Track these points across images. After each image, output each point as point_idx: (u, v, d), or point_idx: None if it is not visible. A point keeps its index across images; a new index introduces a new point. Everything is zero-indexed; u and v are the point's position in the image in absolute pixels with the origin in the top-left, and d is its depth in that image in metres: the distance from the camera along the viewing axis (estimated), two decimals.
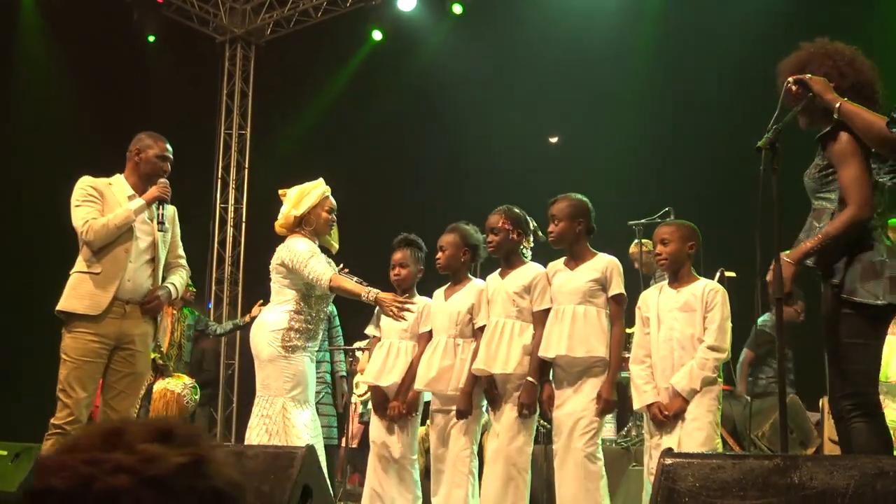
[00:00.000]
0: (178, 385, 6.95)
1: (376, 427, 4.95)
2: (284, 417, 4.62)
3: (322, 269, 4.62)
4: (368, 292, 4.58)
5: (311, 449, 2.83)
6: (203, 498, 1.01)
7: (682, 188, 7.89)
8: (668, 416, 4.11)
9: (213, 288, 11.08)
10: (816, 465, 1.78)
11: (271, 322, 4.67)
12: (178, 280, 4.72)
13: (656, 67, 9.96)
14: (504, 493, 4.44)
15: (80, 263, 4.44)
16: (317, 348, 4.84)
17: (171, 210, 4.68)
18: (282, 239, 4.88)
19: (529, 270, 4.61)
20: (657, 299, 4.34)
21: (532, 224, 5.11)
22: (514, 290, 4.57)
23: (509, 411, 4.49)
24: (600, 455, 4.35)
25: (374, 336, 5.15)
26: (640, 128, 9.78)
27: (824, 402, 4.26)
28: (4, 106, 10.39)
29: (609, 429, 6.31)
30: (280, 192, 4.93)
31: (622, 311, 4.48)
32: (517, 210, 4.71)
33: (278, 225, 4.88)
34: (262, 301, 8.52)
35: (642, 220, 6.59)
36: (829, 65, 3.15)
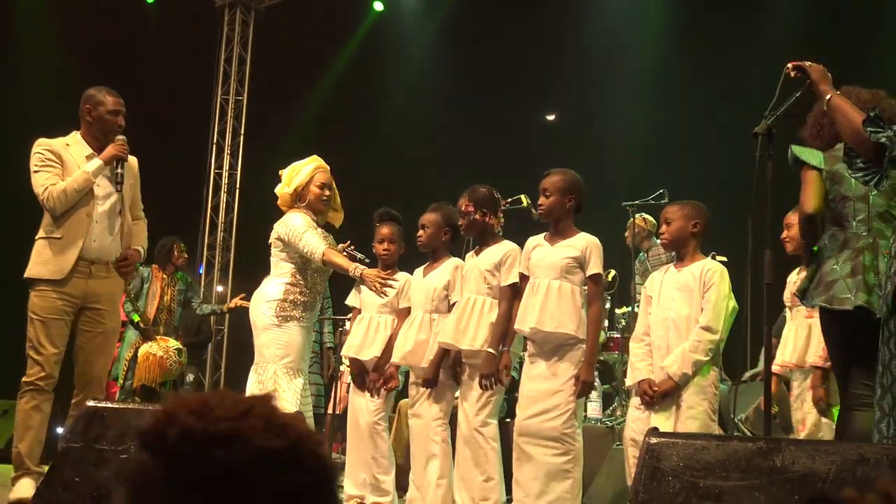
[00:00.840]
0: (161, 348, 6.99)
1: (355, 398, 5.14)
2: (276, 384, 4.71)
3: (315, 244, 4.70)
4: (355, 268, 4.68)
5: (299, 415, 2.86)
6: (314, 469, 1.04)
7: (679, 171, 7.92)
8: (655, 392, 4.09)
9: (206, 253, 11.07)
10: (799, 450, 1.80)
11: (268, 293, 4.77)
12: (143, 237, 4.74)
13: (658, 48, 9.94)
14: (475, 466, 4.54)
15: (42, 229, 4.45)
16: (314, 319, 4.94)
17: (131, 162, 4.64)
18: (278, 209, 4.98)
19: (501, 248, 4.70)
20: (661, 279, 4.35)
21: (526, 200, 5.18)
22: (486, 268, 4.67)
23: (476, 386, 4.57)
24: (579, 438, 4.35)
25: (355, 307, 5.30)
26: (639, 109, 9.78)
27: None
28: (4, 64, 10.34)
29: (595, 408, 6.36)
30: (280, 172, 5.01)
31: (600, 290, 4.53)
32: (483, 189, 4.78)
33: (279, 204, 4.98)
34: (244, 295, 8.60)
35: (636, 201, 6.61)
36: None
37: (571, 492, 4.36)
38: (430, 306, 4.92)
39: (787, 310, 4.95)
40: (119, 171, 4.51)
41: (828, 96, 2.97)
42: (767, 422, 2.90)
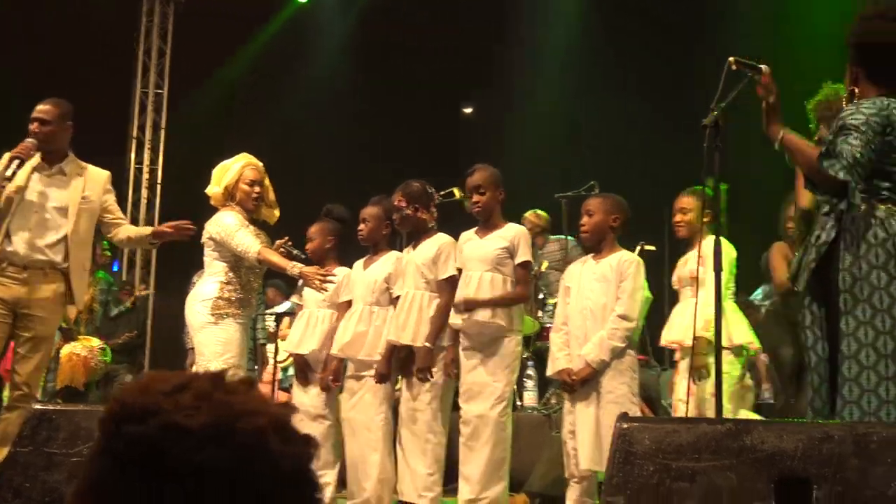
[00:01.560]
0: (86, 348, 6.84)
1: (298, 393, 5.24)
2: None
3: (249, 242, 4.69)
4: (293, 266, 4.70)
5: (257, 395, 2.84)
6: (302, 445, 1.03)
7: (610, 162, 8.06)
8: (575, 381, 4.27)
9: (126, 251, 10.79)
10: (767, 430, 1.88)
11: (203, 292, 4.77)
12: (133, 229, 4.91)
13: (584, 40, 10.09)
14: (421, 458, 4.66)
15: None
16: (251, 316, 4.99)
17: (97, 174, 4.73)
18: (205, 206, 4.97)
19: (435, 242, 4.83)
20: (579, 270, 4.51)
21: (459, 193, 5.27)
22: (422, 262, 4.79)
23: (419, 380, 4.69)
24: (510, 426, 4.55)
25: (298, 304, 5.46)
26: (569, 101, 9.92)
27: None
28: None
29: (531, 397, 6.45)
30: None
31: (528, 276, 4.69)
32: (416, 184, 4.91)
33: (213, 203, 4.96)
34: (143, 286, 8.47)
35: (569, 193, 6.71)
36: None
37: (505, 478, 4.55)
38: (370, 298, 5.00)
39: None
40: (13, 169, 4.43)
41: (780, 135, 3.02)
42: (718, 404, 3.00)
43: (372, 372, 4.88)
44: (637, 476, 1.92)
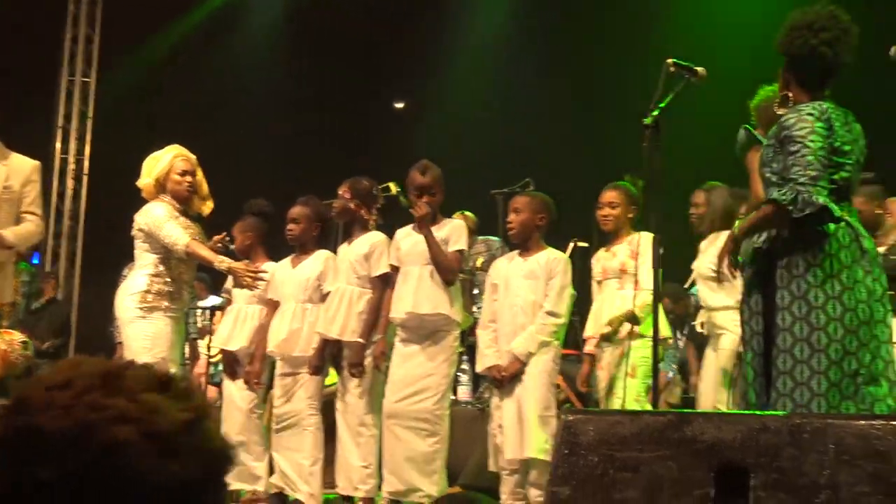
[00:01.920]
0: (5, 342, 6.67)
1: (228, 387, 5.33)
2: None
3: (177, 235, 4.63)
4: (221, 261, 4.67)
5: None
6: (201, 458, 0.92)
7: (545, 159, 8.14)
8: (504, 377, 4.38)
9: (51, 243, 10.53)
10: (707, 421, 1.94)
11: (132, 286, 4.69)
12: (21, 228, 4.61)
13: (516, 34, 10.17)
14: (356, 452, 4.74)
15: None
16: (184, 309, 4.91)
17: (20, 163, 4.62)
18: (133, 197, 4.89)
19: (369, 239, 4.91)
20: (507, 267, 4.61)
21: (395, 188, 5.32)
22: (356, 259, 4.88)
23: (351, 375, 4.78)
24: (447, 420, 4.63)
25: (227, 299, 5.55)
26: (504, 96, 9.99)
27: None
28: None
29: (465, 391, 6.51)
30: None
31: (459, 264, 4.77)
32: (365, 182, 5.00)
33: (144, 195, 4.85)
34: (53, 282, 8.30)
35: (504, 189, 6.75)
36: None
37: (439, 471, 4.62)
38: (303, 296, 5.07)
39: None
40: None
41: (737, 235, 3.05)
42: (655, 395, 3.08)
43: (306, 368, 4.96)
44: (582, 467, 1.96)
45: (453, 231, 4.71)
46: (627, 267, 4.42)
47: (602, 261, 4.67)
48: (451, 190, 4.91)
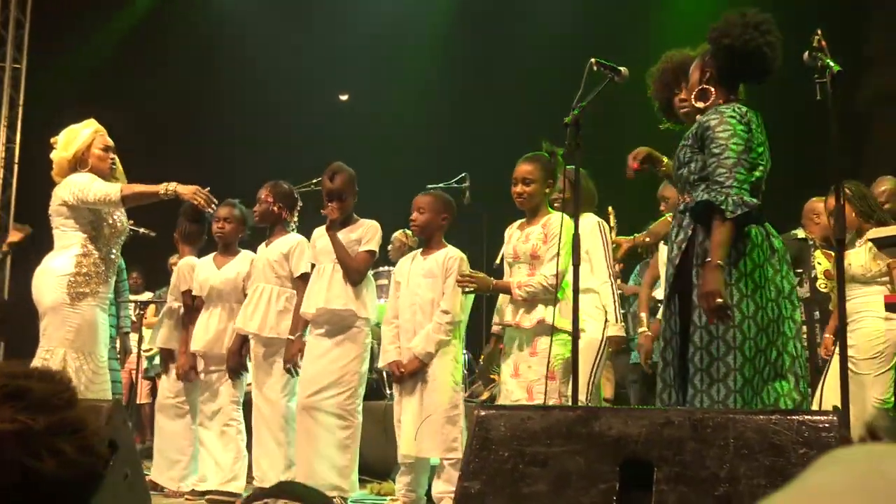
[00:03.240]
0: None
1: (164, 383, 5.58)
2: (65, 370, 4.47)
3: (108, 187, 4.41)
4: (166, 187, 4.44)
5: (117, 402, 2.76)
6: (24, 474, 0.91)
7: (481, 154, 8.17)
8: (403, 373, 4.47)
9: None
10: (614, 416, 1.98)
11: (56, 268, 4.38)
12: None
13: (458, 30, 10.17)
14: (276, 446, 4.87)
15: None
16: (109, 295, 4.63)
17: None
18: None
19: (288, 240, 5.10)
20: (409, 265, 4.71)
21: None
22: (274, 259, 5.05)
23: (267, 371, 4.95)
24: (360, 414, 4.72)
25: (160, 296, 6.02)
26: (438, 88, 9.99)
27: None
28: None
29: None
30: (52, 140, 4.66)
31: (369, 263, 4.82)
32: (285, 186, 5.20)
33: (54, 174, 4.60)
34: None
35: (440, 185, 6.76)
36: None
37: (351, 465, 4.69)
38: (234, 297, 5.23)
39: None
40: None
41: (715, 264, 2.97)
42: (575, 392, 3.12)
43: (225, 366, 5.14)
44: (493, 461, 1.99)
45: (366, 231, 4.80)
46: (539, 251, 4.12)
47: (512, 240, 4.35)
48: (387, 183, 4.96)
